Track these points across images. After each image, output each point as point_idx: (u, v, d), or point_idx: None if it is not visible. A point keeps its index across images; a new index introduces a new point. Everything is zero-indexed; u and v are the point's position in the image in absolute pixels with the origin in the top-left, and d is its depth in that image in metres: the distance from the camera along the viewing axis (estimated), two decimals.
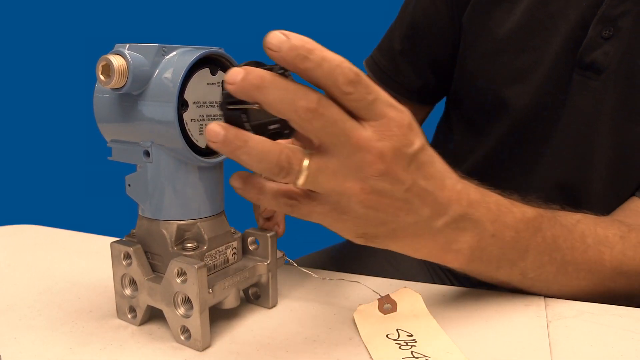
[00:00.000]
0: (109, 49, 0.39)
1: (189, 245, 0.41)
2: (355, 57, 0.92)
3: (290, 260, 0.50)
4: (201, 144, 0.41)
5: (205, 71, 0.40)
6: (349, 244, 0.71)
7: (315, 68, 0.33)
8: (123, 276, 0.44)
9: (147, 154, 0.41)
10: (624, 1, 0.56)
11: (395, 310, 0.46)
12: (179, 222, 0.42)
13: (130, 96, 0.39)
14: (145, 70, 0.38)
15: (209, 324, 0.41)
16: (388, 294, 0.47)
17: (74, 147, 1.66)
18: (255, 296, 0.48)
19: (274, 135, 0.36)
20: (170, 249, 0.42)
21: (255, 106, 0.35)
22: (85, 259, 0.60)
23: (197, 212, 0.42)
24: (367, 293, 0.50)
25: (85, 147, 1.23)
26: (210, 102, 0.41)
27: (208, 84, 0.40)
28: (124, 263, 0.43)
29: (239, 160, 0.35)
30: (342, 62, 0.34)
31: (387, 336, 0.42)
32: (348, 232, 0.40)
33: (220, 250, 0.44)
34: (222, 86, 0.35)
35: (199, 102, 0.40)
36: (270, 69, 0.34)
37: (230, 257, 0.45)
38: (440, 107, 0.85)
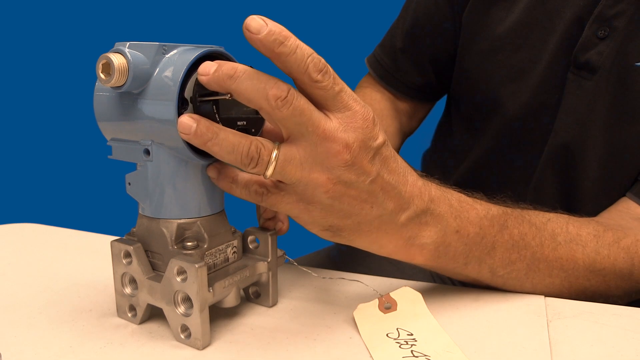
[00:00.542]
0: (109, 48, 0.39)
1: (189, 244, 0.41)
2: (356, 56, 0.93)
3: (291, 259, 0.50)
4: None
5: None
6: None
7: (289, 54, 0.35)
8: (123, 275, 0.44)
9: (147, 152, 0.40)
10: (619, 1, 0.56)
11: (396, 310, 0.46)
12: (179, 221, 0.42)
13: (131, 95, 0.39)
14: (146, 69, 0.38)
15: (209, 323, 0.41)
16: (388, 293, 0.47)
17: (74, 145, 1.66)
18: (256, 295, 0.48)
19: (241, 132, 0.38)
20: (170, 247, 0.42)
21: (227, 96, 0.37)
22: (86, 257, 0.60)
23: (197, 210, 0.42)
24: (368, 292, 0.50)
25: (85, 145, 1.23)
26: None
27: None
28: (124, 262, 0.43)
29: (210, 151, 0.37)
30: (313, 52, 0.36)
31: (387, 335, 0.42)
32: (314, 224, 0.41)
33: (221, 249, 0.44)
34: (196, 79, 0.38)
35: None
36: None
37: (230, 256, 0.45)
38: (441, 105, 0.85)
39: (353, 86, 0.84)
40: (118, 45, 0.38)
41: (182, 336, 0.41)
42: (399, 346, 0.41)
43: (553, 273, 0.48)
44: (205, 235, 0.42)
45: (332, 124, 0.37)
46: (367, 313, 0.45)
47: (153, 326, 0.44)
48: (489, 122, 0.69)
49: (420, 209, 0.43)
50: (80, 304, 0.48)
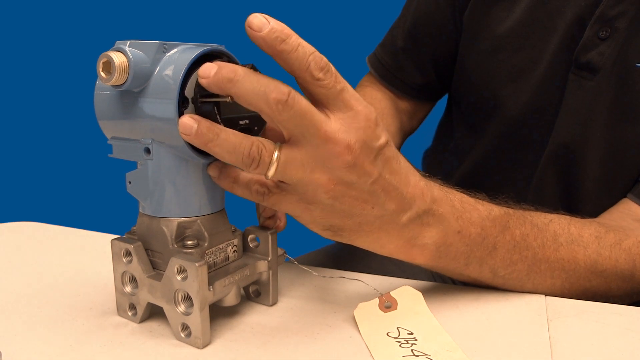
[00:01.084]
0: (109, 46, 0.39)
1: (189, 242, 0.41)
2: (357, 54, 0.93)
3: (291, 258, 0.50)
4: None
5: None
6: None
7: (291, 51, 0.35)
8: (123, 273, 0.44)
9: (147, 151, 0.40)
10: (621, 2, 0.56)
11: (396, 309, 0.46)
12: (180, 220, 0.42)
13: (131, 93, 0.39)
14: (146, 68, 0.38)
15: (209, 322, 0.41)
16: (389, 292, 0.47)
17: (75, 144, 1.66)
18: (256, 294, 0.48)
19: (243, 131, 0.38)
20: (170, 246, 0.42)
21: (227, 99, 0.37)
22: (86, 256, 0.60)
23: (197, 209, 0.42)
24: (368, 291, 0.50)
25: (85, 144, 1.23)
26: None
27: None
28: (124, 260, 0.43)
29: (211, 151, 0.37)
30: (315, 51, 0.36)
31: (387, 334, 0.42)
32: (315, 224, 0.41)
33: (221, 247, 0.44)
34: (196, 80, 0.37)
35: None
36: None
37: (230, 255, 0.45)
38: (442, 105, 0.85)
39: (354, 85, 0.84)
40: (119, 44, 0.38)
41: (183, 335, 0.41)
42: (399, 345, 0.41)
43: (554, 274, 0.48)
44: (206, 234, 0.42)
45: (333, 125, 0.37)
46: (368, 312, 0.45)
47: (153, 325, 0.44)
48: (490, 122, 0.69)
49: (422, 210, 0.43)
50: (81, 303, 0.48)
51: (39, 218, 0.71)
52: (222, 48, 0.41)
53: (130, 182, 0.42)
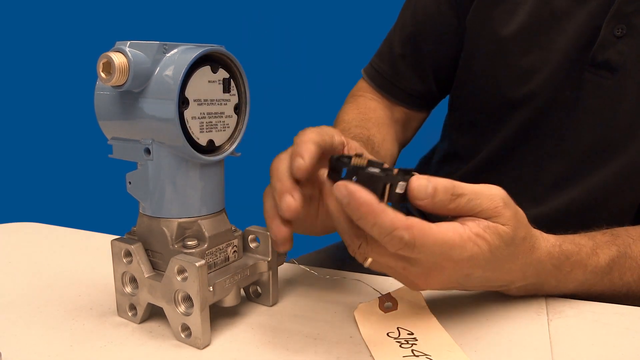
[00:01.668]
0: (110, 47, 0.39)
1: (189, 243, 0.41)
2: (356, 60, 0.92)
3: (291, 259, 0.50)
4: (202, 141, 0.41)
5: (206, 69, 0.40)
6: None
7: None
8: (124, 274, 0.44)
9: (147, 151, 0.40)
10: None
11: (396, 309, 0.46)
12: (180, 220, 0.42)
13: (131, 94, 0.39)
14: (146, 68, 0.38)
15: (210, 322, 0.41)
16: (389, 292, 0.47)
17: (75, 144, 1.66)
18: (256, 294, 0.48)
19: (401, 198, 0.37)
20: (170, 246, 0.42)
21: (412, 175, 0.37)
22: (86, 256, 0.60)
23: (197, 209, 0.42)
24: (368, 291, 0.50)
25: (85, 144, 1.23)
26: (211, 100, 0.41)
27: (209, 81, 0.40)
28: (124, 261, 0.43)
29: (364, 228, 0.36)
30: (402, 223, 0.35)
31: (387, 334, 0.42)
32: (450, 287, 0.43)
33: (221, 248, 0.44)
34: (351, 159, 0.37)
35: (199, 100, 0.40)
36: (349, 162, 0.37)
37: (230, 255, 0.45)
38: (441, 108, 0.84)
39: (345, 94, 0.83)
40: (119, 44, 0.38)
41: (183, 335, 0.41)
42: (400, 345, 0.41)
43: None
44: (206, 234, 0.42)
45: (474, 228, 0.38)
46: (368, 312, 0.45)
47: (153, 325, 0.44)
48: (498, 124, 0.69)
49: (525, 284, 0.46)
50: (81, 303, 0.48)
51: (39, 218, 0.71)
52: (222, 48, 0.41)
53: (130, 183, 0.42)
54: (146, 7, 1.73)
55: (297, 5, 1.73)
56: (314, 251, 0.79)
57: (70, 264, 0.58)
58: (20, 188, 1.76)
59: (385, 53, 0.79)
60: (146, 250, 0.43)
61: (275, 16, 1.80)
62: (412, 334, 0.42)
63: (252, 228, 0.47)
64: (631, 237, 0.50)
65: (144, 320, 0.45)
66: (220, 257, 0.44)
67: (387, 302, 0.46)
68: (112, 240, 0.43)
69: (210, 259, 0.43)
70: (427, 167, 0.85)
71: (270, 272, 0.46)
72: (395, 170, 0.38)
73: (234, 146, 0.43)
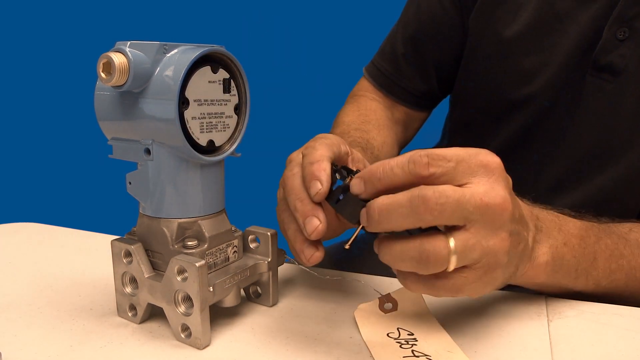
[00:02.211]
0: (110, 47, 0.39)
1: (189, 243, 0.41)
2: (356, 60, 0.92)
3: (291, 259, 0.50)
4: (202, 141, 0.41)
5: (207, 69, 0.40)
6: None
7: (385, 178, 0.35)
8: (124, 274, 0.44)
9: (147, 151, 0.40)
10: (638, 2, 0.55)
11: (396, 309, 0.46)
12: (180, 220, 0.42)
13: (131, 94, 0.39)
14: (146, 68, 0.38)
15: (210, 322, 0.41)
16: (389, 293, 0.47)
17: (75, 145, 1.66)
18: (256, 294, 0.48)
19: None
20: (170, 247, 0.42)
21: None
22: (86, 256, 0.60)
23: (197, 210, 0.42)
24: (368, 292, 0.50)
25: (85, 145, 1.23)
26: (211, 100, 0.41)
27: (209, 81, 0.40)
28: (124, 261, 0.43)
29: (385, 262, 0.36)
30: (410, 155, 0.35)
31: (387, 335, 0.42)
32: (493, 288, 0.39)
33: (221, 248, 0.44)
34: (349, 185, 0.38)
35: (199, 100, 0.40)
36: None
37: (231, 255, 0.45)
38: (441, 109, 0.84)
39: (346, 93, 0.83)
40: (119, 45, 0.38)
41: (183, 335, 0.41)
42: (400, 346, 0.41)
43: None
44: (206, 235, 0.42)
45: (481, 189, 0.35)
46: (368, 313, 0.45)
47: (153, 325, 0.44)
48: (499, 125, 0.69)
49: (535, 227, 0.42)
50: (81, 303, 0.48)
51: (39, 219, 0.71)
52: (222, 49, 0.41)
53: (130, 183, 0.42)
54: (146, 7, 1.73)
55: (297, 5, 1.73)
56: None
57: (70, 264, 0.58)
58: (20, 188, 1.76)
59: (388, 52, 0.79)
60: (146, 250, 0.43)
61: (275, 16, 1.80)
62: (412, 334, 0.42)
63: (252, 228, 0.47)
64: (610, 224, 0.51)
65: (144, 320, 0.45)
66: (220, 257, 0.44)
67: (387, 303, 0.46)
68: (112, 241, 0.43)
69: (210, 259, 0.43)
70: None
71: (270, 273, 0.47)
72: None
73: (234, 146, 0.43)
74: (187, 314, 0.40)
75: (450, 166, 0.35)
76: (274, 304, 0.48)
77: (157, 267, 0.43)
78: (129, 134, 0.41)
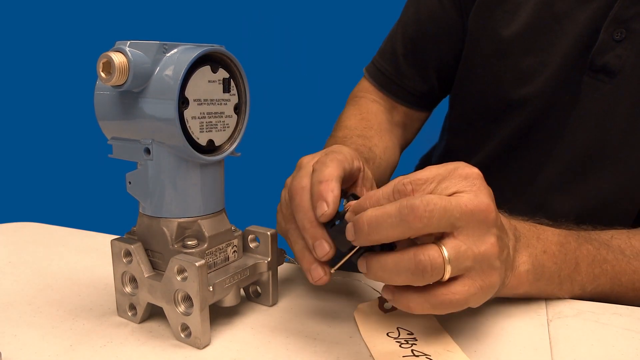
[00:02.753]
0: (109, 46, 0.39)
1: (189, 242, 0.41)
2: (356, 60, 0.92)
3: (291, 259, 0.50)
4: (202, 141, 0.41)
5: (206, 69, 0.40)
6: None
7: (380, 220, 0.35)
8: (123, 274, 0.44)
9: (147, 151, 0.40)
10: (636, 3, 0.55)
11: (396, 309, 0.46)
12: (180, 220, 0.42)
13: (131, 93, 0.39)
14: (146, 68, 0.38)
15: (209, 322, 0.41)
16: None
17: (75, 144, 1.66)
18: (256, 294, 0.48)
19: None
20: (170, 246, 0.42)
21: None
22: (86, 256, 0.60)
23: (197, 209, 0.42)
24: (368, 292, 0.50)
25: (85, 144, 1.23)
26: (211, 100, 0.41)
27: (209, 81, 0.40)
28: (124, 260, 0.43)
29: (379, 279, 0.37)
30: (392, 187, 0.36)
31: (387, 334, 0.42)
32: (492, 292, 0.38)
33: (221, 248, 0.44)
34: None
35: (199, 100, 0.40)
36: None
37: (230, 255, 0.45)
38: (441, 109, 0.84)
39: (347, 92, 0.83)
40: (119, 44, 0.38)
41: (183, 335, 0.41)
42: (400, 345, 0.41)
43: (635, 286, 0.49)
44: (206, 234, 0.42)
45: (465, 197, 0.36)
46: (367, 312, 0.45)
47: (153, 325, 0.44)
48: (497, 125, 0.69)
49: (514, 236, 0.43)
50: (81, 303, 0.48)
51: (39, 218, 0.72)
52: (222, 48, 0.41)
53: (130, 183, 0.42)
54: (146, 7, 1.73)
55: (297, 5, 1.73)
56: None
57: (70, 264, 0.58)
58: (20, 188, 1.76)
59: (388, 52, 0.79)
60: (146, 250, 0.43)
61: (275, 16, 1.80)
62: (412, 334, 0.42)
63: (252, 228, 0.47)
64: (591, 232, 0.51)
65: (143, 320, 0.45)
66: (220, 257, 0.44)
67: (387, 302, 0.46)
68: (112, 240, 0.43)
69: (210, 259, 0.43)
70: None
71: (270, 272, 0.47)
72: None
73: (233, 146, 0.43)
74: (186, 314, 0.40)
75: (433, 187, 0.36)
76: (273, 304, 0.48)
77: (156, 267, 0.43)
78: (128, 134, 0.41)
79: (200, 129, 0.40)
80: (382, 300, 0.46)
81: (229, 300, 0.44)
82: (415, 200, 0.34)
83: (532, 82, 0.63)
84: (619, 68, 0.57)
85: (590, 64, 0.59)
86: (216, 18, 1.77)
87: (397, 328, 0.43)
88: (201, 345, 0.41)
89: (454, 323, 0.44)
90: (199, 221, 0.42)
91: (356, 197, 0.41)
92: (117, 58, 0.37)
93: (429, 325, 0.43)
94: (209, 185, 0.42)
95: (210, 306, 0.41)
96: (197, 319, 0.40)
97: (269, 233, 0.46)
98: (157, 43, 0.39)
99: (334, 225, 0.39)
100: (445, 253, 0.35)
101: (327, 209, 0.38)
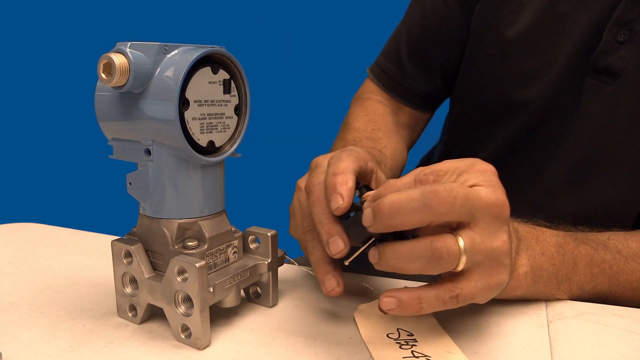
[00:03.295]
0: (110, 47, 0.39)
1: (189, 243, 0.41)
2: (356, 60, 0.92)
3: (291, 259, 0.50)
4: (202, 142, 0.41)
5: (207, 70, 0.40)
6: None
7: (400, 211, 0.34)
8: (124, 274, 0.44)
9: (148, 152, 0.41)
10: (639, 5, 0.55)
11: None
12: (180, 221, 0.42)
13: (132, 94, 0.39)
14: (147, 69, 0.38)
15: (210, 323, 0.41)
16: None
17: (75, 145, 1.66)
18: (256, 295, 0.48)
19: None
20: (171, 247, 0.42)
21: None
22: (86, 257, 0.60)
23: (198, 210, 0.42)
24: (368, 292, 0.50)
25: (86, 145, 1.23)
26: (212, 101, 0.41)
27: (209, 82, 0.40)
28: (124, 261, 0.43)
29: (390, 268, 0.36)
30: (413, 177, 0.37)
31: (387, 335, 0.42)
32: (498, 290, 0.38)
33: (221, 249, 0.44)
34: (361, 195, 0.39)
35: (200, 101, 0.40)
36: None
37: (231, 256, 0.45)
38: (442, 109, 0.84)
39: (352, 93, 0.83)
40: (119, 45, 0.39)
41: (183, 336, 0.41)
42: (400, 346, 0.41)
43: (633, 286, 0.49)
44: (206, 235, 0.42)
45: (484, 191, 0.36)
46: (367, 313, 0.45)
47: (153, 326, 0.44)
48: (499, 125, 0.68)
49: (516, 239, 0.43)
50: (81, 304, 0.48)
51: (39, 219, 0.72)
52: (223, 49, 0.41)
53: (130, 184, 0.42)
54: (146, 8, 1.73)
55: (297, 5, 1.73)
56: None
57: (71, 264, 0.58)
58: (20, 188, 1.76)
59: (392, 52, 0.79)
60: (146, 251, 0.43)
61: (275, 16, 1.80)
62: (412, 335, 0.42)
63: (253, 229, 0.47)
64: (588, 233, 0.51)
65: (144, 320, 0.45)
66: (220, 258, 0.44)
67: None
68: (113, 241, 0.43)
69: (210, 260, 0.43)
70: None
71: (270, 273, 0.47)
72: None
73: (234, 147, 0.43)
74: (187, 315, 0.40)
75: (453, 179, 0.37)
76: (274, 305, 0.48)
77: (157, 268, 0.43)
78: (129, 135, 0.41)
79: (200, 130, 0.40)
80: None
81: (229, 301, 0.44)
82: (439, 186, 0.34)
83: (534, 83, 0.63)
84: (621, 70, 0.57)
85: (593, 65, 0.59)
86: (216, 19, 1.77)
87: (397, 329, 0.43)
88: (201, 346, 0.41)
89: (454, 324, 0.44)
90: (200, 222, 0.42)
91: (369, 189, 0.41)
92: (118, 59, 0.37)
93: (428, 326, 0.43)
94: (210, 186, 0.42)
95: (210, 307, 0.41)
96: (197, 320, 0.40)
97: (269, 234, 0.46)
98: (157, 44, 0.39)
99: (349, 217, 0.39)
100: (462, 243, 0.35)
101: (342, 202, 0.38)
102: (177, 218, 0.42)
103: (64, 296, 0.50)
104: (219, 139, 0.42)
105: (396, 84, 0.78)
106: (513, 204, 0.40)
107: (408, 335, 0.42)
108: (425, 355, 0.39)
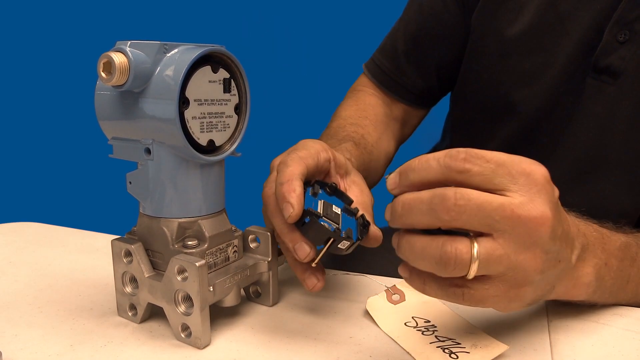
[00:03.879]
0: (110, 46, 0.39)
1: (189, 243, 0.41)
2: (356, 60, 0.92)
3: None
4: (202, 141, 0.41)
5: (207, 69, 0.40)
6: None
7: (421, 170, 0.34)
8: (124, 274, 0.44)
9: (148, 151, 0.41)
10: (639, 5, 0.55)
11: (404, 300, 0.46)
12: (180, 220, 0.42)
13: (132, 94, 0.39)
14: (147, 68, 0.38)
15: (210, 322, 0.41)
16: (394, 285, 0.47)
17: (75, 144, 1.66)
18: (256, 294, 0.48)
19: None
20: (171, 246, 0.42)
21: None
22: (86, 256, 0.60)
23: (198, 209, 0.42)
24: (368, 291, 0.50)
25: (86, 144, 1.23)
26: (212, 100, 0.41)
27: (209, 81, 0.40)
28: (124, 260, 0.43)
29: (405, 258, 0.35)
30: (445, 152, 0.34)
31: (405, 324, 0.43)
32: (521, 305, 0.36)
33: (221, 248, 0.44)
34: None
35: (200, 100, 0.40)
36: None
37: (231, 255, 0.45)
38: (441, 108, 0.84)
39: (346, 88, 0.83)
40: (119, 44, 0.38)
41: (183, 335, 0.41)
42: (422, 333, 0.41)
43: None
44: (206, 234, 0.42)
45: (516, 200, 0.32)
46: (378, 306, 0.45)
47: (153, 325, 0.44)
48: (499, 125, 0.68)
49: (581, 245, 0.40)
50: (81, 303, 0.48)
51: (39, 218, 0.72)
52: (223, 48, 0.41)
53: (130, 183, 0.42)
54: (146, 7, 1.73)
55: (297, 5, 1.73)
56: None
57: (71, 263, 0.58)
58: (20, 188, 1.76)
59: (388, 49, 0.79)
60: (146, 250, 0.43)
61: (275, 16, 1.80)
62: (429, 321, 0.43)
63: (253, 228, 0.47)
64: None
65: (144, 320, 0.45)
66: (220, 257, 0.44)
67: (395, 294, 0.46)
68: (113, 240, 0.43)
69: (210, 259, 0.43)
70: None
71: (270, 272, 0.47)
72: (359, 212, 0.43)
73: (234, 146, 0.43)
74: (187, 314, 0.40)
75: (488, 167, 0.33)
76: (274, 304, 0.48)
77: (157, 267, 0.43)
78: (129, 134, 0.41)
79: (200, 129, 0.40)
80: (389, 293, 0.46)
81: (229, 300, 0.44)
82: (450, 190, 0.32)
83: (534, 82, 0.63)
84: (622, 69, 0.57)
85: (593, 65, 0.59)
86: (216, 18, 1.77)
87: (413, 317, 0.44)
88: (201, 345, 0.41)
89: (454, 324, 0.44)
90: (200, 221, 0.42)
91: (323, 184, 0.42)
92: (118, 58, 0.37)
93: (442, 312, 0.44)
94: (210, 185, 0.42)
95: (210, 306, 0.41)
96: (197, 319, 0.40)
97: (269, 233, 0.46)
98: (157, 43, 0.39)
99: (304, 224, 0.39)
100: (475, 251, 0.32)
101: (292, 210, 0.39)
102: (177, 217, 0.42)
103: (64, 295, 0.50)
104: (219, 138, 0.42)
105: (391, 80, 0.78)
106: None
107: (425, 322, 0.43)
108: (450, 338, 0.40)
